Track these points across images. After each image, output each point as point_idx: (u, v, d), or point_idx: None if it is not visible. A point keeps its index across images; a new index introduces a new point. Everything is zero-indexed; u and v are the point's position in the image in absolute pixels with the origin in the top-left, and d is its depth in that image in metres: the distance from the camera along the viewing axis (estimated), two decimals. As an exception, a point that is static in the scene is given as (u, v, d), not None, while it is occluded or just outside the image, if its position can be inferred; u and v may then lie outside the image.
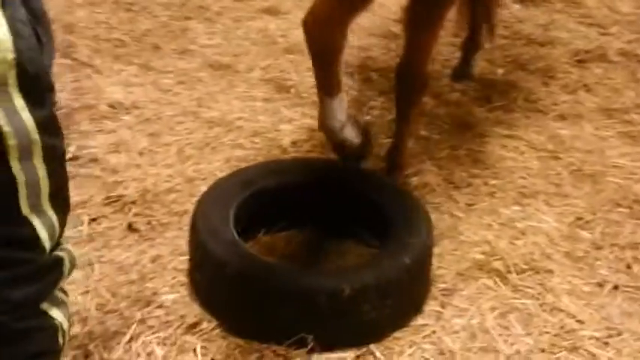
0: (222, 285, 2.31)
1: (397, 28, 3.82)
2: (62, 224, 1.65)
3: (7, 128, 1.44)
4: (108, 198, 2.88)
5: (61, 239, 1.67)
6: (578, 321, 2.44)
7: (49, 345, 1.69)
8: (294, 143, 3.30)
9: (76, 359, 2.21)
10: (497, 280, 2.59)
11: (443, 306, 2.48)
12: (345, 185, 2.67)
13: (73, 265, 1.72)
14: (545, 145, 3.39)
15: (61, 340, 1.70)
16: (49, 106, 1.56)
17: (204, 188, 2.73)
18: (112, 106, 3.52)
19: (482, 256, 2.68)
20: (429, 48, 2.79)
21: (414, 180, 3.06)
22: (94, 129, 3.35)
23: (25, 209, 1.53)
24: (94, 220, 2.78)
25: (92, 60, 3.94)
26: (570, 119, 3.61)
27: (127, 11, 4.57)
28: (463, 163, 3.23)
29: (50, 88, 1.51)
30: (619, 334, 2.39)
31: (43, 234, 1.58)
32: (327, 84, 2.57)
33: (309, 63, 2.68)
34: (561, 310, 2.48)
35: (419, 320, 2.41)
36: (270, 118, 3.50)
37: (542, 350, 2.33)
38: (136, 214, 2.80)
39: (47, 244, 1.60)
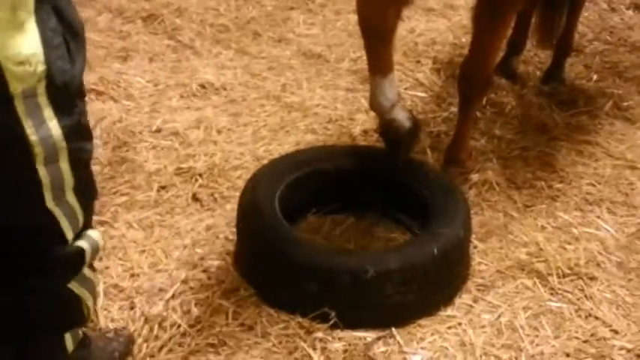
0: (258, 256, 2.45)
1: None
2: (87, 212, 1.76)
3: (33, 137, 1.51)
4: (179, 169, 3.08)
5: (86, 225, 1.77)
6: (613, 330, 2.39)
7: (75, 318, 1.87)
8: (364, 132, 3.38)
9: (122, 309, 2.42)
10: (537, 281, 2.57)
11: (475, 300, 2.49)
12: (393, 174, 2.72)
13: (96, 250, 1.82)
14: (624, 154, 3.29)
15: (85, 312, 1.86)
16: (78, 114, 1.62)
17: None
18: (202, 85, 3.74)
19: (526, 257, 2.66)
20: (492, 49, 2.80)
21: (475, 177, 3.05)
22: (183, 106, 3.58)
23: (49, 203, 1.63)
24: (163, 187, 2.99)
25: (193, 42, 4.20)
26: (658, 131, 3.47)
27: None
28: (531, 164, 3.19)
29: (81, 95, 1.62)
30: (653, 350, 2.32)
31: (65, 224, 1.68)
32: (378, 63, 2.63)
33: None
34: (597, 318, 2.44)
35: (448, 311, 2.44)
36: (348, 107, 3.60)
37: (567, 355, 2.30)
38: (201, 186, 2.99)
39: (70, 233, 1.70)
